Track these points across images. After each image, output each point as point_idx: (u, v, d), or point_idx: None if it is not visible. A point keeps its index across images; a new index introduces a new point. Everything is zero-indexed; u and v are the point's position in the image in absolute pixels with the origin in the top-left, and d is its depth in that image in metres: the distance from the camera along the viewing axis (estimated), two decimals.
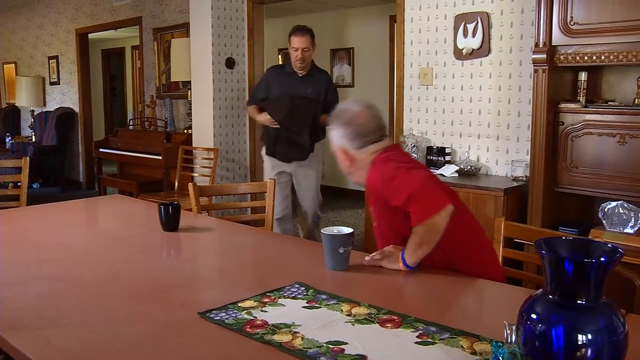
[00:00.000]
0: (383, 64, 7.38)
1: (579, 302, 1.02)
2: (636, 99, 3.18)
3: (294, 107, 4.11)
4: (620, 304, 2.86)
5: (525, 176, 3.69)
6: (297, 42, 4.12)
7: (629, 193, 3.10)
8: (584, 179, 3.23)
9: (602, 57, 3.07)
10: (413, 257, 1.92)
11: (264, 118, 4.25)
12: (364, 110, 2.09)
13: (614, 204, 3.22)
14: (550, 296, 1.04)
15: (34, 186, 8.48)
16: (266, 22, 5.93)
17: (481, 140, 4.10)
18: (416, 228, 1.90)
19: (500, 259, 2.17)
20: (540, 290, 1.10)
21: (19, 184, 3.72)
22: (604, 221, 3.26)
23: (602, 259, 1.03)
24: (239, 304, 1.62)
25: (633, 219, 3.17)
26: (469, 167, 3.96)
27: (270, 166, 4.36)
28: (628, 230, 3.17)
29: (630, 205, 3.17)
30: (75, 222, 2.89)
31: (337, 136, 2.09)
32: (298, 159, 4.29)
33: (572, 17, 3.13)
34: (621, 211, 3.21)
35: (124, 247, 2.30)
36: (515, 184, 3.68)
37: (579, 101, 3.32)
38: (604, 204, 3.26)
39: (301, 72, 4.22)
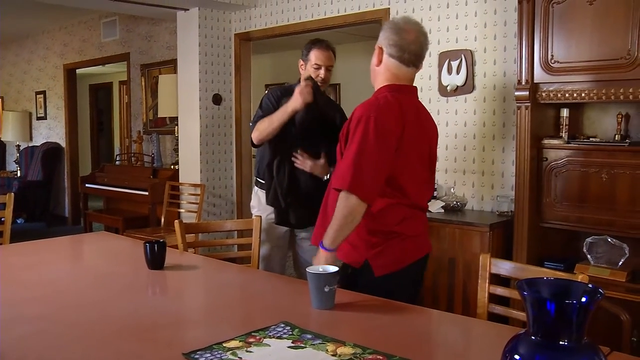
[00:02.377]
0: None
1: (561, 342, 1.02)
2: (616, 135, 3.24)
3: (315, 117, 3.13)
4: (607, 339, 2.86)
5: (511, 211, 3.72)
6: (322, 57, 3.18)
7: (613, 227, 3.13)
8: (569, 214, 3.26)
9: (583, 95, 3.13)
10: (329, 239, 2.15)
11: (291, 103, 3.03)
12: (418, 33, 2.29)
13: (598, 238, 3.26)
14: (533, 337, 1.04)
15: (19, 221, 8.40)
16: (253, 59, 6.00)
17: (466, 175, 4.14)
18: (336, 209, 2.12)
19: (487, 295, 2.17)
20: (524, 330, 1.11)
21: (2, 219, 3.69)
22: (588, 256, 3.28)
23: (584, 299, 1.04)
24: (224, 344, 1.60)
25: (617, 253, 3.20)
26: (454, 202, 3.98)
27: (265, 222, 3.26)
28: (612, 264, 3.20)
29: (614, 240, 3.20)
30: (60, 260, 2.87)
31: (382, 36, 2.31)
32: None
33: (552, 55, 3.20)
34: (605, 246, 3.24)
35: (109, 286, 2.28)
36: (500, 219, 3.70)
37: (561, 137, 3.38)
38: (588, 239, 3.29)
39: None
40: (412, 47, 2.26)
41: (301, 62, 3.29)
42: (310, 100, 2.99)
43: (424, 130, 2.37)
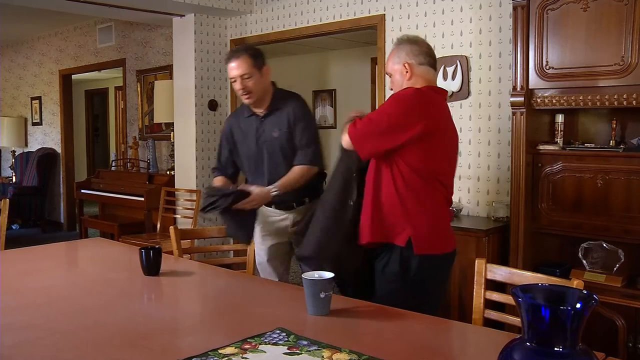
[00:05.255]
0: (365, 106, 7.46)
1: (556, 349, 1.02)
2: (611, 141, 3.25)
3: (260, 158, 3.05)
4: (603, 344, 2.85)
5: (507, 217, 3.73)
6: (232, 69, 2.95)
7: (608, 233, 3.13)
8: (564, 220, 3.27)
9: (577, 101, 3.14)
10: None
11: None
12: (428, 43, 2.51)
13: (593, 243, 3.26)
14: (528, 343, 1.05)
15: (13, 227, 8.39)
16: None
17: (462, 181, 4.14)
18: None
19: (482, 301, 2.18)
20: (519, 336, 1.11)
21: None
22: (584, 261, 3.29)
23: (578, 305, 1.04)
24: (220, 351, 1.60)
25: (612, 258, 3.20)
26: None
27: (260, 235, 3.16)
28: (608, 269, 3.20)
29: (610, 245, 3.21)
30: (55, 266, 2.86)
31: (402, 54, 2.43)
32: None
33: (547, 61, 3.21)
34: (601, 251, 3.25)
35: (104, 293, 2.28)
36: (496, 224, 3.70)
37: (556, 143, 3.38)
38: (583, 244, 3.30)
39: (259, 110, 3.04)
40: (431, 51, 2.47)
41: None
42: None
43: (452, 132, 2.50)
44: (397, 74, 2.45)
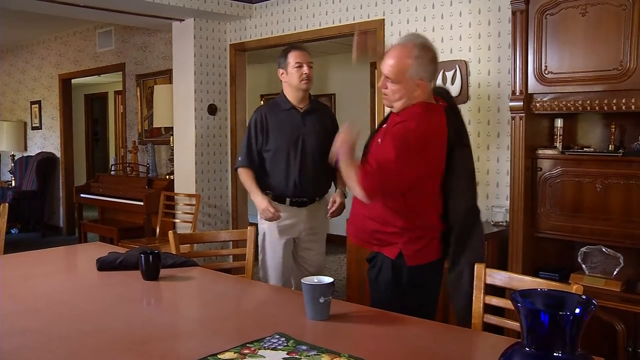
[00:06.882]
0: (364, 110, 7.47)
1: (555, 354, 1.02)
2: (610, 145, 3.25)
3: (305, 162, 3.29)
4: (602, 349, 2.84)
5: (506, 221, 3.72)
6: (301, 55, 3.25)
7: (607, 237, 3.13)
8: (563, 224, 3.26)
9: (577, 105, 3.14)
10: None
11: (261, 204, 3.25)
12: (433, 51, 2.40)
13: (592, 248, 3.26)
14: (527, 348, 1.05)
15: (13, 231, 8.38)
16: (248, 69, 6.01)
17: None
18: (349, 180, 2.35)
19: (482, 305, 2.17)
20: (518, 341, 1.11)
21: None
22: (583, 265, 3.29)
23: (577, 310, 1.04)
24: (219, 356, 1.60)
25: (612, 263, 3.20)
26: None
27: (276, 231, 3.34)
28: (607, 274, 3.20)
29: (609, 250, 3.21)
30: (54, 271, 2.85)
31: (420, 69, 2.33)
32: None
33: (546, 66, 3.21)
34: (600, 255, 3.24)
35: (103, 297, 2.27)
36: (495, 229, 3.70)
37: (555, 147, 3.38)
38: (582, 249, 3.29)
39: (301, 105, 3.35)
40: (436, 65, 2.42)
41: (281, 70, 3.33)
42: (271, 220, 3.25)
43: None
44: (407, 86, 2.34)
